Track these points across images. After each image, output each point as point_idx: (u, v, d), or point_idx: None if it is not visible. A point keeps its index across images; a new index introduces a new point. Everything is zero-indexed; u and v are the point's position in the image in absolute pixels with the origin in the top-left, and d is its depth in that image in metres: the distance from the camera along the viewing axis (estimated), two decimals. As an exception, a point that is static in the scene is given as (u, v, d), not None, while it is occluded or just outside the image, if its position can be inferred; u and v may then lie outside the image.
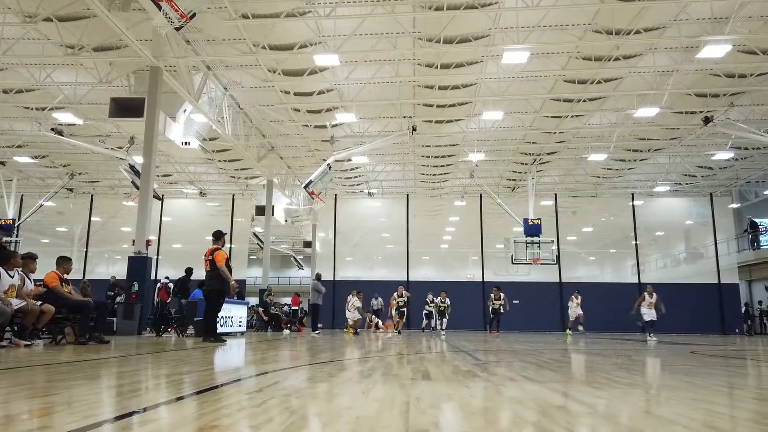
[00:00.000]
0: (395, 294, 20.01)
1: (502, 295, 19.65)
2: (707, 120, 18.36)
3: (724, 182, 27.62)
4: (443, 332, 18.93)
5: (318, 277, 18.16)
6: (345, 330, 19.84)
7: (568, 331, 21.14)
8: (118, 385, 3.58)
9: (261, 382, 3.69)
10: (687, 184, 28.01)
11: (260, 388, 3.36)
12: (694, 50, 14.90)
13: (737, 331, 26.06)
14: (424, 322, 21.30)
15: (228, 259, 10.31)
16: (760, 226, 26.19)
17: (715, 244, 27.97)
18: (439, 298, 20.31)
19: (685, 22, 14.11)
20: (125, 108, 14.64)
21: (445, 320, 20.15)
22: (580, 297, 21.35)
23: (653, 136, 21.94)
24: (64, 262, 8.76)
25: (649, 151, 23.58)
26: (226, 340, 10.18)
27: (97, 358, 5.65)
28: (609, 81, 17.53)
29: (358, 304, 19.16)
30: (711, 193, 28.81)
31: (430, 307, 21.22)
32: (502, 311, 20.13)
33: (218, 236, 10.45)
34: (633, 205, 28.99)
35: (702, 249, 29.22)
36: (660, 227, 30.50)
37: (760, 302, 27.02)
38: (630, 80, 17.37)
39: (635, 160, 24.87)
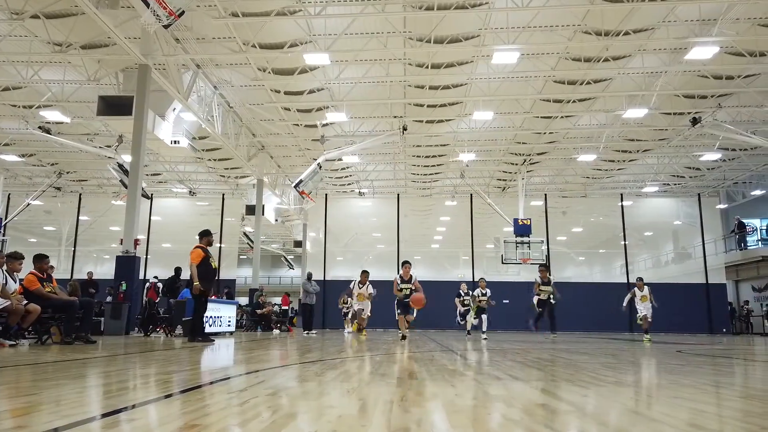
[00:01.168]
0: (396, 278, 11.74)
1: (551, 279, 13.55)
2: (695, 121, 18.52)
3: (711, 183, 27.86)
4: (484, 333, 15.02)
5: (309, 276, 18.10)
6: (355, 330, 15.03)
7: (645, 336, 14.51)
8: (101, 384, 3.55)
9: (246, 382, 3.67)
10: (675, 184, 28.22)
11: (245, 387, 3.34)
12: (682, 52, 15.01)
13: (724, 330, 26.31)
14: (461, 321, 17.20)
15: (206, 258, 9.89)
16: (748, 227, 26.44)
17: (703, 244, 28.21)
18: (477, 290, 15.78)
19: (673, 24, 14.22)
20: (113, 106, 14.55)
21: (485, 317, 15.56)
22: (646, 288, 14.94)
23: (642, 136, 22.08)
24: (38, 261, 8.58)
25: (637, 151, 23.74)
26: (214, 340, 10.11)
27: (82, 358, 5.60)
28: (598, 82, 17.62)
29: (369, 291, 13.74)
30: (699, 194, 29.05)
31: (467, 301, 16.92)
32: (553, 302, 13.64)
33: (201, 234, 10.23)
34: (622, 206, 29.18)
35: (690, 249, 29.46)
36: (648, 227, 30.72)
37: (746, 302, 27.28)
38: (619, 81, 17.47)
39: (624, 161, 25.03)
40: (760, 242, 26.13)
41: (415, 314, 11.47)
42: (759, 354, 8.73)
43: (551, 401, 2.95)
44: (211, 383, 3.59)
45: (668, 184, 28.33)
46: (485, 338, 14.01)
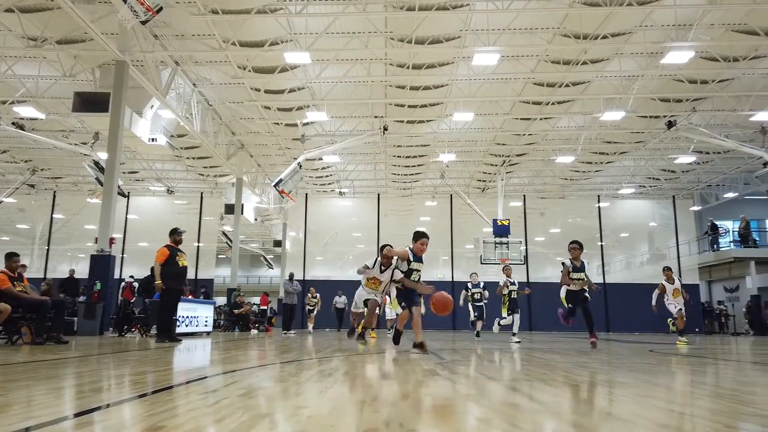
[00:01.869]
0: (406, 251, 7.54)
1: (584, 262, 9.50)
2: (670, 124, 18.84)
3: (686, 185, 28.40)
4: (514, 336, 12.44)
5: (290, 277, 18.10)
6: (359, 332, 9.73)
7: (680, 338, 12.24)
8: (68, 386, 3.48)
9: (217, 382, 3.63)
10: (651, 186, 28.70)
11: (216, 388, 3.30)
12: (658, 56, 15.26)
13: (696, 330, 26.80)
14: (473, 315, 14.19)
15: (171, 257, 9.80)
16: (720, 229, 26.99)
17: (677, 245, 28.75)
18: (503, 279, 12.68)
19: (650, 28, 14.46)
20: (89, 102, 14.32)
21: (516, 316, 12.63)
22: (677, 281, 12.85)
23: (619, 139, 22.40)
24: (9, 260, 8.42)
25: (614, 154, 24.07)
26: (181, 340, 9.96)
27: (52, 359, 5.49)
28: (577, 84, 17.83)
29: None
30: (674, 196, 29.63)
31: (477, 295, 14.08)
32: (589, 296, 9.42)
33: (170, 233, 10.21)
34: (599, 207, 29.59)
35: (665, 250, 29.96)
36: (624, 229, 31.18)
37: (719, 302, 27.84)
38: (597, 84, 17.71)
39: (601, 163, 25.36)
40: (732, 244, 26.68)
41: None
42: (731, 353, 8.91)
43: (522, 401, 2.97)
44: (182, 384, 3.55)
45: (644, 186, 28.79)
46: (517, 341, 11.72)
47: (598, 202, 29.74)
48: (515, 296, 12.65)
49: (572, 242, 9.34)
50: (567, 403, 3.02)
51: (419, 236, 7.34)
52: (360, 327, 8.13)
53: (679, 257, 28.29)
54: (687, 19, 13.97)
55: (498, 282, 12.98)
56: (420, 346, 6.93)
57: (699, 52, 15.23)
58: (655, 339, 15.93)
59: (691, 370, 5.50)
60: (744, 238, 25.95)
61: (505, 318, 12.57)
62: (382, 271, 7.54)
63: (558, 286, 9.39)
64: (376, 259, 7.80)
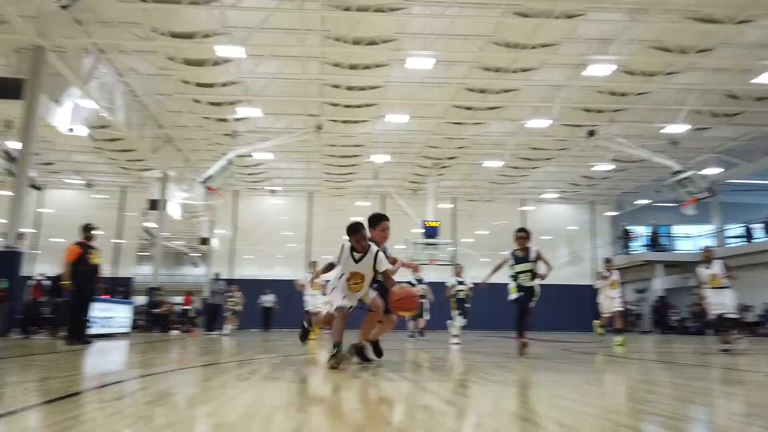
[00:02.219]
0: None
1: (531, 250, 8.01)
2: (591, 133, 19.80)
3: (604, 192, 30.04)
4: (456, 337, 11.48)
5: (216, 276, 17.71)
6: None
7: (595, 321, 12.84)
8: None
9: (124, 389, 3.49)
10: (572, 192, 30.10)
11: (121, 395, 3.18)
12: (582, 68, 16.00)
13: (609, 329, 28.31)
14: (411, 321, 13.13)
15: (83, 255, 9.31)
16: (631, 233, 28.85)
17: (594, 248, 30.37)
18: (452, 279, 12.21)
19: (575, 41, 15.14)
20: (1, 88, 13.35)
21: (461, 318, 11.93)
22: (616, 272, 12.03)
23: (544, 146, 23.30)
24: None
25: (540, 160, 25.03)
26: (91, 342, 9.47)
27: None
28: (507, 92, 18.40)
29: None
30: (592, 201, 31.29)
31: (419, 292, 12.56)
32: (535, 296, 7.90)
33: (81, 229, 9.69)
34: (524, 210, 30.77)
35: (583, 253, 31.51)
36: (547, 232, 32.45)
37: (630, 302, 29.58)
38: (525, 92, 18.35)
39: (527, 168, 26.32)
40: (645, 248, 28.46)
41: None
42: (638, 351, 9.48)
43: (434, 402, 3.04)
44: (88, 391, 3.39)
45: (566, 192, 30.15)
46: (456, 342, 10.99)
47: (523, 205, 30.93)
48: (463, 296, 11.89)
49: (518, 230, 7.94)
50: (479, 404, 3.13)
51: (378, 220, 5.53)
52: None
53: (594, 259, 29.85)
54: (609, 34, 14.76)
55: (445, 283, 12.43)
56: (360, 349, 5.49)
57: (620, 66, 16.11)
58: (572, 338, 16.69)
59: (598, 369, 5.82)
60: (654, 242, 27.81)
61: (456, 317, 11.80)
62: (357, 260, 5.12)
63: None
64: (343, 245, 5.22)
